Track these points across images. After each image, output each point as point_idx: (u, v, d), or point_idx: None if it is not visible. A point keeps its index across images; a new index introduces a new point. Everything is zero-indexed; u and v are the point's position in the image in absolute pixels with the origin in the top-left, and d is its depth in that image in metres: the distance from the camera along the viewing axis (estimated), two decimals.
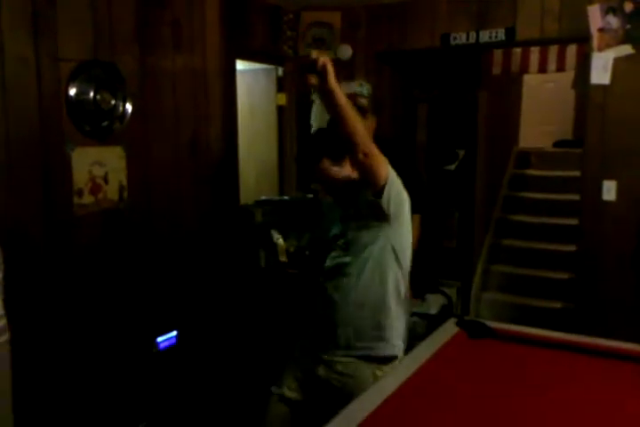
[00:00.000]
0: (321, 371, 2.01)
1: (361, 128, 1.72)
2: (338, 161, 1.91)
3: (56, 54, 2.35)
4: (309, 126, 3.88)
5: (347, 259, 1.94)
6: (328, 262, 1.97)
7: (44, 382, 2.37)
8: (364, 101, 2.49)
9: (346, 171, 1.93)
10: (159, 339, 2.85)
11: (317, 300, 2.00)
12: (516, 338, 2.09)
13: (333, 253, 1.97)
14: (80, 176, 2.48)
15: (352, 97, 2.39)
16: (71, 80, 2.41)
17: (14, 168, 2.25)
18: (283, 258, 1.98)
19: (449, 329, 2.20)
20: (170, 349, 2.90)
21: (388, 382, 1.76)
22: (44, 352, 2.36)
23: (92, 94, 2.48)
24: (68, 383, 2.45)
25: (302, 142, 2.01)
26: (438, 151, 5.23)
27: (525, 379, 1.80)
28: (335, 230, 1.98)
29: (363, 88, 2.63)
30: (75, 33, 2.41)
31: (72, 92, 2.41)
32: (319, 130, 2.07)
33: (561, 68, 4.33)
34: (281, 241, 2.02)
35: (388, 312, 2.00)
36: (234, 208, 3.37)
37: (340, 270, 1.95)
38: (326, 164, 1.91)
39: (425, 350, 2.01)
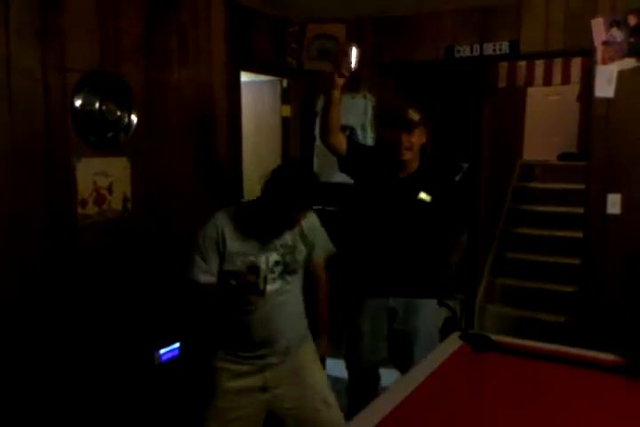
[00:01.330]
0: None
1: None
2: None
3: (62, 65, 2.36)
4: (313, 138, 3.90)
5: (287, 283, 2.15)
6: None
7: (45, 392, 2.35)
8: (414, 116, 2.58)
9: None
10: (162, 351, 2.83)
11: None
12: (521, 352, 2.08)
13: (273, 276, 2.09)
14: (84, 187, 2.48)
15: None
16: (77, 91, 2.42)
17: (19, 178, 2.25)
18: (262, 286, 1.99)
19: (453, 342, 2.19)
20: (172, 360, 2.88)
21: (393, 394, 1.75)
22: (45, 362, 2.35)
23: (97, 105, 2.49)
24: (68, 394, 2.43)
25: (290, 183, 2.03)
26: (443, 162, 5.25)
27: (529, 393, 1.78)
28: (274, 257, 2.09)
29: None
30: (81, 44, 2.43)
31: (78, 103, 2.42)
32: (305, 174, 2.17)
33: (565, 81, 4.35)
34: (264, 266, 2.04)
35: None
36: None
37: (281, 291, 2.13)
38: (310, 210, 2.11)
39: (429, 364, 2.00)
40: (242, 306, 2.03)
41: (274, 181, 2.03)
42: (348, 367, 2.84)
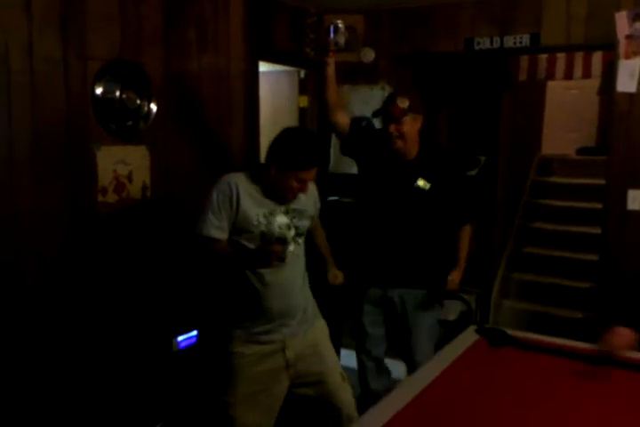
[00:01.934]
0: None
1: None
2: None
3: (84, 53, 2.38)
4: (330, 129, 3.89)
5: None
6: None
7: (64, 380, 2.39)
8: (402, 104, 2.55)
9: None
10: (179, 338, 2.86)
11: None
12: (537, 347, 2.07)
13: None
14: (105, 175, 2.50)
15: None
16: (98, 79, 2.43)
17: (40, 166, 2.28)
18: (284, 255, 2.04)
19: (469, 336, 2.18)
20: (190, 348, 2.91)
21: (408, 388, 1.74)
22: (63, 349, 2.38)
23: (118, 93, 2.51)
24: (86, 382, 2.47)
25: (295, 142, 2.13)
26: (459, 157, 5.22)
27: (545, 388, 1.78)
28: (284, 220, 2.12)
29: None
30: (102, 33, 2.44)
31: (99, 91, 2.44)
32: (308, 134, 2.41)
33: (587, 74, 4.29)
34: (292, 234, 2.13)
35: None
36: None
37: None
38: (315, 170, 2.11)
39: (445, 357, 1.99)
40: (258, 268, 2.06)
41: (280, 143, 2.11)
42: (357, 360, 2.85)
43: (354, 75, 3.78)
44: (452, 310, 3.92)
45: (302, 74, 3.87)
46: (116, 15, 2.49)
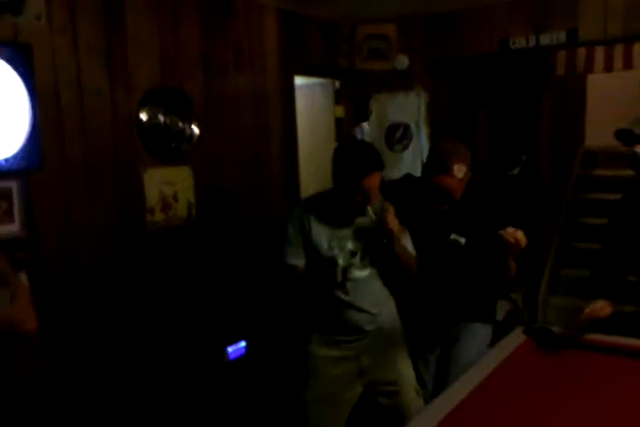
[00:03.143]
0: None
1: (409, 259, 2.18)
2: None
3: (128, 83, 2.51)
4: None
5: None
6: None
7: (120, 390, 2.53)
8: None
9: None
10: (229, 349, 2.96)
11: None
12: (587, 346, 2.04)
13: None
14: (151, 195, 2.63)
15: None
16: (141, 106, 2.56)
17: (92, 189, 2.42)
18: (340, 278, 2.10)
19: (517, 337, 2.17)
20: (239, 359, 3.01)
21: (456, 390, 1.76)
22: (118, 362, 2.52)
23: (161, 118, 2.63)
24: (138, 391, 2.60)
25: (350, 151, 2.11)
26: (501, 156, 5.15)
27: (596, 390, 1.76)
28: (350, 246, 2.14)
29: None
30: (144, 62, 2.57)
31: (143, 117, 2.57)
32: (363, 142, 2.36)
33: (628, 66, 4.15)
34: (342, 261, 2.11)
35: None
36: None
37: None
38: (379, 174, 2.06)
39: (493, 359, 1.99)
40: (329, 292, 2.15)
41: (336, 154, 2.11)
42: None
43: (389, 82, 3.81)
44: (499, 310, 3.88)
45: (337, 84, 3.92)
46: (157, 43, 2.62)
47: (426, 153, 3.76)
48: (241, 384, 3.02)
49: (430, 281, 2.38)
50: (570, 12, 3.26)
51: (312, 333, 2.28)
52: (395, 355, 2.28)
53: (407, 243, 2.21)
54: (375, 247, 2.18)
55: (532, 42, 3.39)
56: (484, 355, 2.11)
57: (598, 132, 5.33)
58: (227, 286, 2.99)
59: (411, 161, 3.83)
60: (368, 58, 3.74)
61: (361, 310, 2.18)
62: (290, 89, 3.36)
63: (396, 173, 3.87)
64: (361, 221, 2.15)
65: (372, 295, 2.21)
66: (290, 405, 2.32)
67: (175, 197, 2.74)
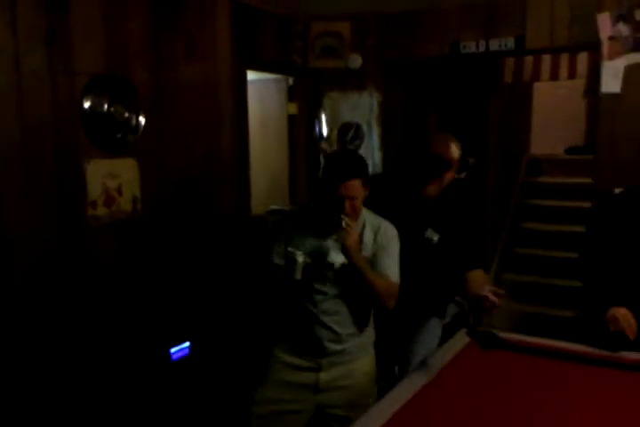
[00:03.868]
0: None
1: (380, 285, 2.04)
2: (366, 184, 2.02)
3: (71, 68, 2.39)
4: (320, 135, 3.91)
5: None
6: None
7: (59, 393, 2.40)
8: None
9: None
10: (172, 349, 2.86)
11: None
12: (527, 349, 2.09)
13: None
14: (94, 188, 2.51)
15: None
16: (85, 93, 2.44)
17: (29, 180, 2.28)
18: (298, 276, 1.99)
19: (461, 340, 2.20)
20: (183, 360, 2.92)
21: (400, 393, 1.76)
22: (56, 362, 2.39)
23: (105, 107, 2.52)
24: (80, 394, 2.47)
25: (331, 159, 2.18)
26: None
27: (537, 391, 1.79)
28: (340, 259, 2.04)
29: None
30: (89, 47, 2.45)
31: (86, 105, 2.45)
32: (347, 151, 2.18)
33: (572, 75, 4.33)
34: (301, 258, 1.99)
35: None
36: (245, 218, 3.40)
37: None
38: (356, 182, 1.97)
39: (437, 361, 2.01)
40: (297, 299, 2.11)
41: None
42: None
43: (342, 81, 3.81)
44: (446, 313, 3.93)
45: (290, 81, 3.89)
46: (102, 29, 2.50)
47: (377, 154, 3.79)
48: (185, 385, 2.93)
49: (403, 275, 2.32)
50: (518, 19, 3.35)
51: (278, 336, 2.21)
52: (357, 378, 2.15)
53: (390, 267, 2.09)
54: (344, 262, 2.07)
55: (482, 47, 3.46)
56: (431, 355, 2.11)
57: (543, 140, 5.51)
58: (172, 285, 2.90)
59: None
60: (321, 55, 3.73)
61: (325, 326, 2.08)
62: (242, 83, 3.30)
63: None
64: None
65: (341, 315, 2.09)
66: (234, 406, 2.24)
67: (119, 191, 2.62)
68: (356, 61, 3.73)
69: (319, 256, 2.05)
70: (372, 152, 3.79)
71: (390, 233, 2.13)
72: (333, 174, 1.98)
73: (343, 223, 1.97)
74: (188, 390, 2.94)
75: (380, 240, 2.10)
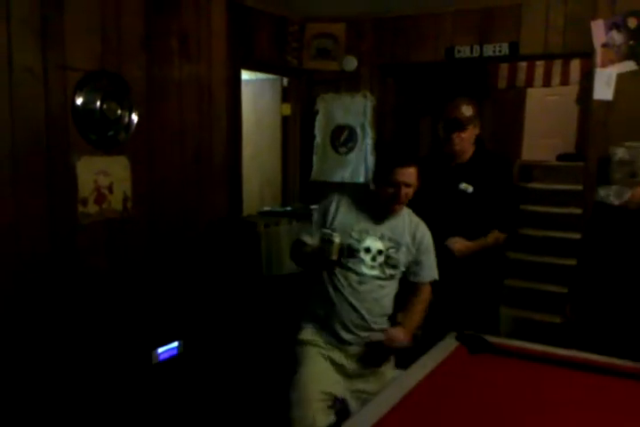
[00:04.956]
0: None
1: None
2: (419, 176, 2.12)
3: (63, 64, 2.37)
4: (313, 136, 3.91)
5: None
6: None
7: (44, 391, 2.37)
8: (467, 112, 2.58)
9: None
10: (160, 350, 2.84)
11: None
12: (516, 353, 2.09)
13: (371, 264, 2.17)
14: (85, 185, 2.49)
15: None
16: (78, 90, 2.43)
17: (20, 176, 2.26)
18: (334, 256, 2.04)
19: (449, 344, 2.20)
20: (171, 359, 2.90)
21: (388, 397, 1.76)
22: (44, 361, 2.37)
23: (98, 104, 2.50)
24: (66, 393, 2.45)
25: (388, 147, 2.50)
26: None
27: (523, 395, 1.80)
28: (378, 245, 2.15)
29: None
30: (82, 43, 2.44)
31: (79, 101, 2.43)
32: (402, 141, 2.46)
33: (565, 82, 4.36)
34: (338, 239, 2.03)
35: None
36: (237, 218, 3.38)
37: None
38: (413, 170, 2.09)
39: (425, 365, 2.01)
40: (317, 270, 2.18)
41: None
42: None
43: (336, 83, 3.81)
44: None
45: (285, 82, 3.89)
46: (97, 26, 2.49)
47: (370, 157, 3.79)
48: (173, 385, 2.91)
49: (439, 231, 2.46)
50: (513, 24, 3.36)
51: (304, 321, 2.25)
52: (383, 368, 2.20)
53: (430, 271, 2.24)
54: (397, 258, 2.16)
55: (476, 52, 3.48)
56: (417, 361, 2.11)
57: (535, 146, 5.54)
58: (162, 284, 2.88)
59: (355, 164, 3.83)
60: (316, 57, 3.73)
61: (355, 309, 2.13)
62: (236, 82, 3.30)
63: (339, 175, 3.86)
64: (392, 223, 2.18)
65: (372, 301, 2.15)
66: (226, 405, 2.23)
67: (110, 189, 2.61)
68: (350, 64, 3.73)
69: (359, 240, 2.13)
70: (364, 155, 3.79)
71: (428, 234, 2.25)
72: (392, 160, 2.08)
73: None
74: (178, 391, 2.92)
75: (419, 238, 2.22)
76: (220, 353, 3.16)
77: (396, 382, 1.90)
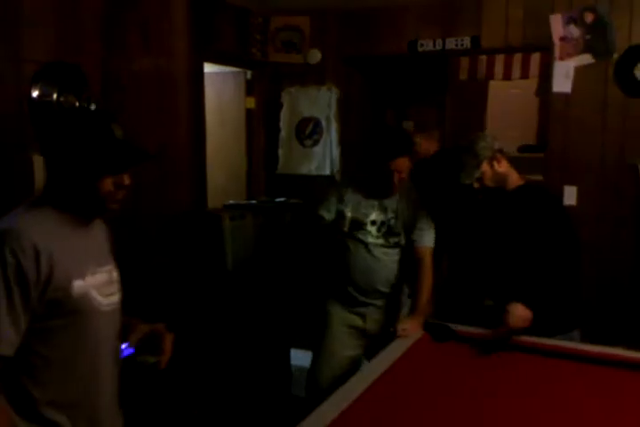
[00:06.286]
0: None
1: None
2: (412, 158, 2.47)
3: (18, 55, 2.30)
4: (278, 130, 3.89)
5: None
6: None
7: None
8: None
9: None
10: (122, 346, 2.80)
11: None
12: (479, 341, 2.13)
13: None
14: (42, 181, 2.42)
15: None
16: (34, 82, 2.36)
17: None
18: (346, 228, 2.50)
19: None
20: (129, 357, 2.85)
21: (352, 388, 1.77)
22: None
23: (55, 96, 2.44)
24: None
25: (381, 136, 2.56)
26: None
27: (487, 381, 1.84)
28: (380, 217, 2.49)
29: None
30: (38, 35, 2.37)
31: (35, 94, 2.37)
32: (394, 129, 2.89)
33: (525, 75, 4.42)
34: (349, 214, 2.48)
35: None
36: (201, 212, 3.35)
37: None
38: (405, 159, 2.39)
39: (390, 354, 2.03)
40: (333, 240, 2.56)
41: (371, 138, 2.56)
42: None
43: (302, 75, 3.80)
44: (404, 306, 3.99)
45: (249, 75, 3.86)
46: (53, 17, 2.42)
47: (335, 149, 3.80)
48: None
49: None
50: (474, 19, 3.41)
51: (328, 293, 2.62)
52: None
53: (428, 237, 2.50)
54: (398, 226, 2.48)
55: (439, 45, 3.51)
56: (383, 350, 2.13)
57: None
58: (123, 280, 2.83)
59: (321, 156, 3.83)
60: (281, 49, 3.71)
61: (365, 274, 2.48)
62: (199, 75, 3.25)
63: (305, 168, 3.86)
64: (390, 200, 2.49)
65: (380, 267, 2.49)
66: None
67: None
68: (315, 56, 3.72)
69: (366, 214, 2.48)
70: (330, 147, 3.80)
71: (419, 197, 2.56)
72: (384, 152, 2.37)
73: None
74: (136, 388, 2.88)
75: (413, 199, 2.53)
76: (183, 350, 3.13)
77: (358, 375, 1.92)
